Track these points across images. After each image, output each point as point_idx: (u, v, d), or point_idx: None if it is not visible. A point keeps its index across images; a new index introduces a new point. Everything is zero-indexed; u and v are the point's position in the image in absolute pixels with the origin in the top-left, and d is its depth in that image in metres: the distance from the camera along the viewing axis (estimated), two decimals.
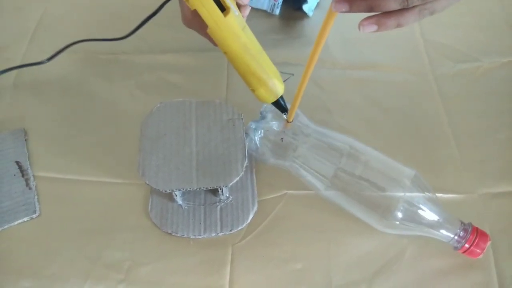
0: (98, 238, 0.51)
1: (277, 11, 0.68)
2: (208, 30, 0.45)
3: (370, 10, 0.34)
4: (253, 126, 0.53)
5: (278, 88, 0.49)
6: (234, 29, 0.45)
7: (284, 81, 0.50)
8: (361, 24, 0.35)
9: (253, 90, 0.50)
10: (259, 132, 0.52)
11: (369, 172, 0.48)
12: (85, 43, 0.63)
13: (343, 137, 0.51)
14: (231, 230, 0.50)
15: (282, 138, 0.52)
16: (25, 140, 0.58)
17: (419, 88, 0.64)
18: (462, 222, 0.47)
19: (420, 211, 0.46)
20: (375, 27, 0.35)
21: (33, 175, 0.55)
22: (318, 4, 0.71)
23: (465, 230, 0.46)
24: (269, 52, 0.50)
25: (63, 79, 0.64)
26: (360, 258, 0.49)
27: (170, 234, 0.50)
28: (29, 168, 0.55)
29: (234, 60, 0.47)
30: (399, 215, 0.46)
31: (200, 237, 0.50)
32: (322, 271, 0.49)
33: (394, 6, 0.34)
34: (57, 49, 0.62)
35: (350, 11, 0.35)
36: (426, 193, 0.47)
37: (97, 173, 0.55)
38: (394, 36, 0.65)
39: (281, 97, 0.50)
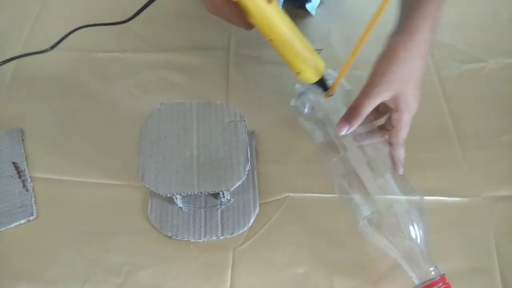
0: (97, 241, 0.50)
1: None
2: (252, 20, 0.44)
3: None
4: (302, 89, 0.54)
5: (320, 66, 0.48)
6: (279, 16, 0.44)
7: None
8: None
9: (298, 73, 0.48)
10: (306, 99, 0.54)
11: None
12: (89, 28, 0.62)
13: None
14: (232, 234, 0.50)
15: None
16: (22, 140, 0.57)
17: (423, 89, 0.63)
18: (436, 269, 0.44)
19: (404, 228, 0.44)
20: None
21: (30, 176, 0.54)
22: (321, 2, 0.70)
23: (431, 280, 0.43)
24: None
25: (61, 77, 0.63)
26: (363, 262, 0.49)
27: (170, 237, 0.49)
28: (26, 169, 0.54)
29: (281, 46, 0.46)
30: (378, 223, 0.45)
31: (200, 240, 0.49)
32: (324, 275, 0.48)
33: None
34: (58, 38, 0.62)
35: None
36: (420, 217, 0.45)
37: (96, 175, 0.54)
38: None
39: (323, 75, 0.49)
